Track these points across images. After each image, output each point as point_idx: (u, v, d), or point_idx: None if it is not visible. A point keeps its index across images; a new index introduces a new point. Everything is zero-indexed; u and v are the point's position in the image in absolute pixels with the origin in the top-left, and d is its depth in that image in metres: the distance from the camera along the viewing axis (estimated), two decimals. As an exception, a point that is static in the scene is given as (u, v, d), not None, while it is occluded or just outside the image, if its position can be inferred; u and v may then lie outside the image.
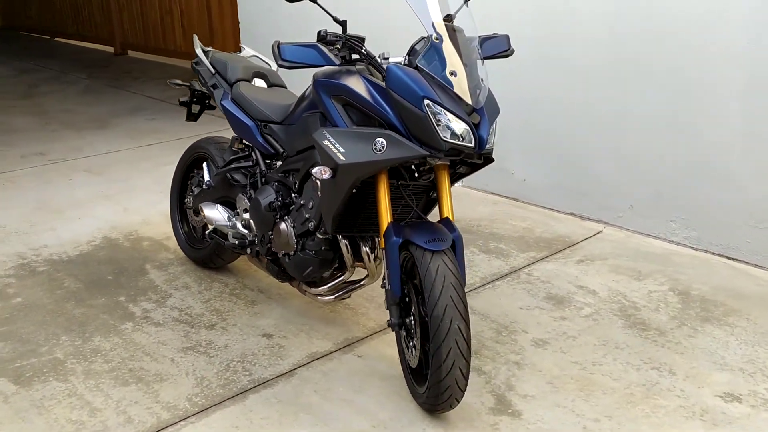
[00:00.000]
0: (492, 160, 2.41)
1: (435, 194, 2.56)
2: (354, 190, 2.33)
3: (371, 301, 3.02)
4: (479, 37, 2.47)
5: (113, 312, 2.95)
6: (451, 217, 2.35)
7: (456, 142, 2.17)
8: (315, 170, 2.30)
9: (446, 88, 2.19)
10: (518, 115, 4.11)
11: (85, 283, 3.21)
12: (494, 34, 2.57)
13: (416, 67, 2.22)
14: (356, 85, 2.29)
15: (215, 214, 2.97)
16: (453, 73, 2.21)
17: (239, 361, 2.60)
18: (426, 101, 2.14)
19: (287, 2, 2.44)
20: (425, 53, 2.24)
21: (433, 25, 2.29)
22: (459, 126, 2.17)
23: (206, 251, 3.24)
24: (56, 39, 11.82)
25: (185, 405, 2.35)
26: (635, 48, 3.54)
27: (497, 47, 2.50)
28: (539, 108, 4.02)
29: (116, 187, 4.51)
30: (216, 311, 2.95)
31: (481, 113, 2.26)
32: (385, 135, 2.20)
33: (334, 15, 2.46)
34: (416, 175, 2.41)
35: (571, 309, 2.98)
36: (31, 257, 3.48)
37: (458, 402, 2.16)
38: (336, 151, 2.28)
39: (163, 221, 3.79)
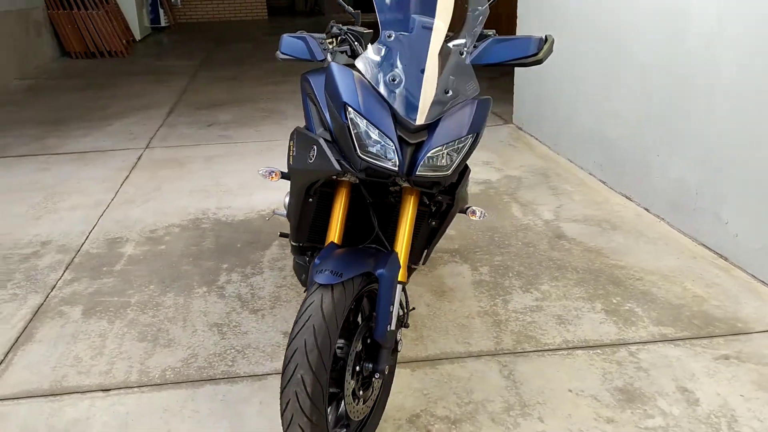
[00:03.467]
0: (452, 190, 1.92)
1: (433, 222, 2.15)
2: (310, 200, 2.11)
3: (422, 327, 2.69)
4: (493, 37, 1.97)
5: (205, 276, 3.21)
6: (401, 252, 1.95)
7: (373, 160, 1.80)
8: (261, 170, 2.15)
9: (381, 96, 1.81)
10: (739, 147, 3.10)
11: (218, 245, 3.55)
12: (543, 36, 2.00)
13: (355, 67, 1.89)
14: (319, 83, 2.05)
15: (286, 200, 2.97)
16: (395, 79, 1.81)
17: (238, 350, 2.60)
18: (348, 109, 1.81)
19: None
20: (372, 52, 1.88)
21: (412, 17, 1.91)
22: (383, 142, 1.78)
23: (306, 239, 3.27)
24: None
25: (155, 374, 2.46)
26: None
27: (516, 51, 1.96)
28: None
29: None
30: (275, 298, 2.98)
31: (430, 131, 1.81)
32: (318, 143, 1.94)
33: (347, 6, 2.23)
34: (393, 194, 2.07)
35: (636, 413, 2.20)
36: (209, 214, 3.98)
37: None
38: (291, 153, 2.10)
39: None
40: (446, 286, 3.04)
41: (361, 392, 1.94)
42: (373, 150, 1.79)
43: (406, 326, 2.08)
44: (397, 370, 2.44)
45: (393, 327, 1.91)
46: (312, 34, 2.17)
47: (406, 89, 1.82)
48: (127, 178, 4.66)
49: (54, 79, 8.61)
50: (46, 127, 6.12)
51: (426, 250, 2.26)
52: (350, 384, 1.86)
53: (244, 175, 4.65)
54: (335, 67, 1.91)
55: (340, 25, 2.19)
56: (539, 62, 1.95)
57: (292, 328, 1.77)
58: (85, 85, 8.12)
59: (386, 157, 1.79)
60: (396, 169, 1.79)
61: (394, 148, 1.78)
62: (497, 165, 4.75)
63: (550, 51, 1.96)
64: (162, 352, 2.61)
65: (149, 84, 8.08)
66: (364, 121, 1.80)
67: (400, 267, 1.93)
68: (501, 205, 3.99)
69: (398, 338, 2.02)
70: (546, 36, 1.98)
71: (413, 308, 2.81)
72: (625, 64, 3.98)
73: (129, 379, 2.44)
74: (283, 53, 2.16)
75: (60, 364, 2.54)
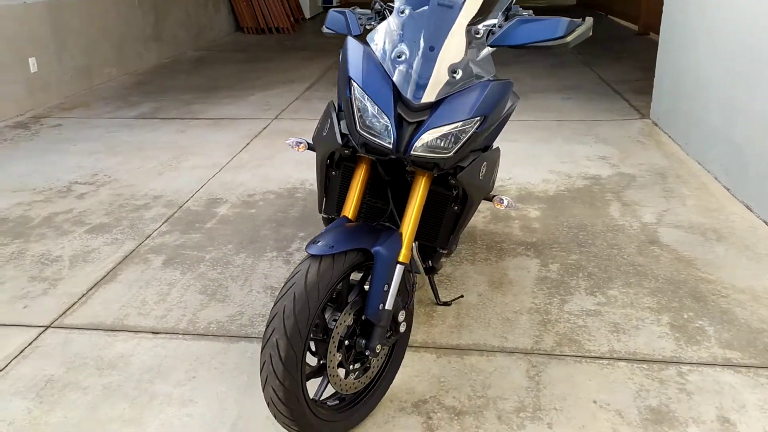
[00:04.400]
0: (453, 173, 1.85)
1: (455, 207, 2.10)
2: (333, 172, 2.13)
3: (467, 314, 2.64)
4: (518, 17, 1.86)
5: (280, 241, 3.35)
6: (406, 233, 1.93)
7: (370, 136, 1.78)
8: (289, 140, 2.20)
9: (386, 73, 1.79)
10: None
11: (302, 214, 3.68)
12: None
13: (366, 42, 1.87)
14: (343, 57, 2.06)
15: None
16: (401, 56, 1.78)
17: (282, 313, 2.70)
18: (353, 83, 1.81)
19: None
20: (384, 27, 1.85)
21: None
22: (381, 119, 1.76)
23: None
24: (608, 15, 12.17)
25: (201, 325, 2.63)
26: None
27: (541, 33, 1.84)
28: None
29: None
30: (335, 270, 3.05)
31: (432, 111, 1.76)
32: (332, 117, 1.95)
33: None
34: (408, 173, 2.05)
35: (659, 437, 2.01)
36: (306, 185, 4.13)
37: (289, 424, 1.84)
38: (317, 125, 2.13)
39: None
40: (507, 279, 2.94)
41: (351, 367, 1.95)
42: (372, 126, 1.78)
43: (410, 309, 2.05)
44: (422, 354, 2.41)
45: (388, 307, 1.90)
46: (356, 9, 2.18)
47: (411, 66, 1.78)
48: (247, 144, 4.95)
49: (222, 52, 9.30)
50: (198, 94, 6.65)
51: (451, 236, 2.20)
52: (334, 356, 1.88)
53: (354, 151, 4.75)
54: (350, 42, 1.92)
55: (382, 1, 2.19)
56: (566, 46, 1.82)
57: (278, 293, 1.82)
58: (246, 59, 8.68)
59: (383, 134, 1.77)
60: (389, 146, 1.77)
61: (389, 125, 1.76)
62: (614, 161, 4.47)
63: (583, 35, 1.82)
64: (215, 306, 2.77)
65: (301, 60, 8.48)
66: (366, 96, 1.79)
67: (400, 247, 1.90)
68: (600, 203, 3.75)
69: (400, 320, 2.00)
70: (583, 18, 1.84)
71: (461, 296, 2.76)
72: (758, 60, 3.56)
73: (178, 326, 2.63)
74: (326, 27, 2.20)
75: (128, 304, 2.80)
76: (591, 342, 2.48)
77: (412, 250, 2.24)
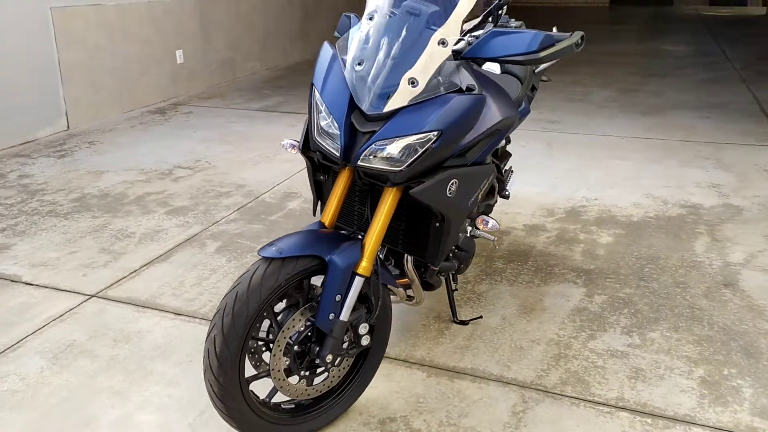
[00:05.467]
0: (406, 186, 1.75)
1: (438, 224, 2.01)
2: (321, 177, 2.11)
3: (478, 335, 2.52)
4: (492, 30, 1.73)
5: (331, 240, 3.38)
6: (368, 244, 1.87)
7: (323, 143, 1.75)
8: (283, 141, 2.20)
9: (344, 79, 1.74)
10: None
11: (366, 216, 3.69)
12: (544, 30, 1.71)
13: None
14: None
15: None
16: (361, 63, 1.72)
17: (298, 311, 2.73)
18: (313, 89, 1.78)
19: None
20: (353, 32, 1.79)
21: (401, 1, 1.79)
22: (332, 127, 1.73)
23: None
24: None
25: (221, 312, 2.73)
26: None
27: (512, 47, 1.71)
28: None
29: (566, 167, 4.55)
30: (369, 274, 3.03)
31: (386, 122, 1.69)
32: (306, 122, 1.94)
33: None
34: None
35: (627, 502, 1.79)
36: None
37: (227, 420, 1.85)
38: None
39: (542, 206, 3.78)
40: (540, 305, 2.75)
41: (303, 373, 1.93)
42: (326, 133, 1.75)
43: (372, 323, 1.98)
44: (413, 370, 2.33)
45: (343, 318, 1.86)
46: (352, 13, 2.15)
47: (369, 75, 1.72)
48: (345, 143, 5.04)
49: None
50: (324, 91, 6.87)
51: (439, 253, 2.09)
52: (279, 359, 1.87)
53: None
54: (324, 47, 1.90)
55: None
56: (539, 62, 1.66)
57: (227, 291, 1.85)
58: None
59: (335, 141, 1.73)
60: (337, 153, 1.72)
61: (340, 134, 1.71)
62: (726, 190, 4.02)
63: (563, 50, 1.65)
64: (242, 295, 2.86)
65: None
66: (322, 103, 1.76)
67: (359, 257, 1.85)
68: (686, 235, 3.39)
69: (361, 333, 1.95)
70: (572, 32, 1.67)
71: (480, 317, 2.64)
72: None
73: (200, 310, 2.75)
74: (337, 32, 2.19)
75: (167, 284, 2.97)
76: (600, 385, 2.26)
77: (407, 264, 2.17)
